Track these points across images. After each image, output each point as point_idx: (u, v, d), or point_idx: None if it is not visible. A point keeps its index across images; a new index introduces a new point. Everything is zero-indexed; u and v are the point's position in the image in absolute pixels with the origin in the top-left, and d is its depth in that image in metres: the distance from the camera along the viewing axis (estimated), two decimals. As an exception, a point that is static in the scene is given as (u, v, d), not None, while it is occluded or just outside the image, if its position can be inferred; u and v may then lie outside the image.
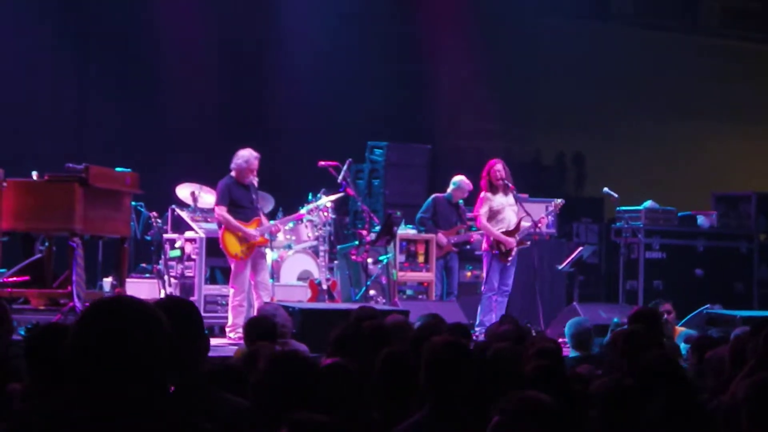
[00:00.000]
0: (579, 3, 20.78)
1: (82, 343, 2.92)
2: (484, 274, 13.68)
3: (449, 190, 14.55)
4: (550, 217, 14.27)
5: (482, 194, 13.69)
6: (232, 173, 12.37)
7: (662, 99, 20.79)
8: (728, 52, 21.98)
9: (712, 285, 16.51)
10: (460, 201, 14.60)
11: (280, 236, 13.86)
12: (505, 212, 13.63)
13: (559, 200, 14.41)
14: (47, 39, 15.82)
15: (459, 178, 14.47)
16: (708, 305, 13.88)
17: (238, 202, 12.33)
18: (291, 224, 13.98)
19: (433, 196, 14.81)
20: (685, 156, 20.78)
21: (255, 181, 12.45)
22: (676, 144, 20.79)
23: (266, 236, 12.49)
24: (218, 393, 4.35)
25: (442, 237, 14.40)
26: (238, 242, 12.23)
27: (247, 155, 12.33)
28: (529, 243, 13.90)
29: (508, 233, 13.52)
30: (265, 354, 5.29)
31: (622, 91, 20.58)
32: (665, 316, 11.18)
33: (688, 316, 13.43)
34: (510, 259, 13.53)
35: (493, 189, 13.60)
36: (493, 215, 13.57)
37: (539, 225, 13.81)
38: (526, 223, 13.73)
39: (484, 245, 13.68)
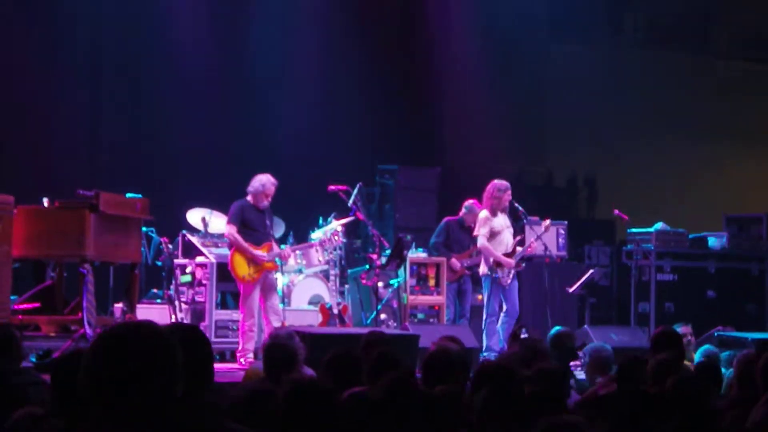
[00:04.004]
0: (591, 25, 20.77)
1: (95, 368, 3.02)
2: (485, 299, 13.66)
3: (461, 214, 14.54)
4: (541, 241, 14.16)
5: (484, 215, 13.65)
6: (248, 197, 12.43)
7: (673, 120, 20.74)
8: (740, 73, 21.95)
9: (724, 307, 16.41)
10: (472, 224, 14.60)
11: (291, 261, 13.88)
12: (504, 234, 13.66)
13: (548, 221, 14.36)
14: (57, 64, 15.86)
15: (471, 203, 14.45)
16: (720, 327, 13.83)
17: (251, 225, 12.36)
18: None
19: (445, 220, 14.81)
20: (696, 177, 20.72)
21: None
22: (687, 165, 20.74)
23: (276, 262, 12.51)
24: (222, 423, 4.34)
25: (455, 261, 14.38)
26: (247, 264, 12.24)
27: (264, 180, 12.40)
28: (523, 265, 13.93)
29: (506, 255, 13.53)
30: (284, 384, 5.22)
31: (634, 112, 20.54)
32: (688, 337, 11.13)
33: (700, 338, 13.38)
34: (509, 280, 13.51)
35: (495, 211, 13.60)
36: (492, 236, 13.57)
37: (530, 249, 13.91)
38: (519, 247, 13.77)
39: (484, 269, 13.64)
